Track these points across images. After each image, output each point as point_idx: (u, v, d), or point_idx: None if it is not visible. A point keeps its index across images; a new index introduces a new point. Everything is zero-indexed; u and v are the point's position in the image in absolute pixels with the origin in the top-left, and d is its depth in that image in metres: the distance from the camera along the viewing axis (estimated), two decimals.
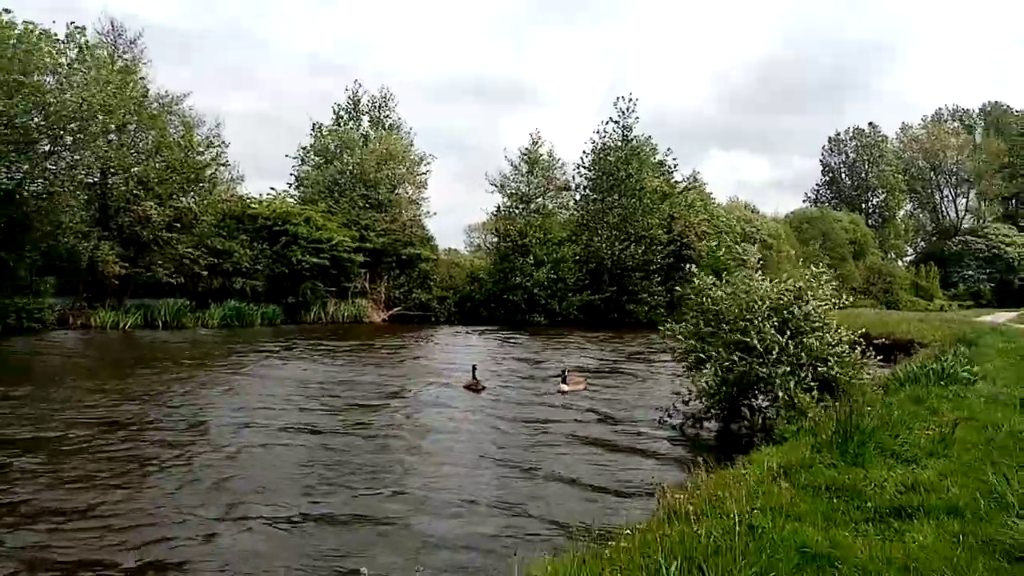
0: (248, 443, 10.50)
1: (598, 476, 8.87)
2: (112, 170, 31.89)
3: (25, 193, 28.69)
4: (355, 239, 40.85)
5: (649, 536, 4.50)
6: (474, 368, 16.85)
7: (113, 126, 30.19)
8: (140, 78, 33.67)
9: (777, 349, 10.50)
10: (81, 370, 18.60)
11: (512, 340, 31.23)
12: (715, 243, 44.19)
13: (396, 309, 43.19)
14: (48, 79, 27.75)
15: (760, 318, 10.79)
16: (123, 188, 32.39)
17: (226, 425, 11.79)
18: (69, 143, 28.94)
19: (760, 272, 12.22)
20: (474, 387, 16.10)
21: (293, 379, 17.29)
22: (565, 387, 15.63)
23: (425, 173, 50.21)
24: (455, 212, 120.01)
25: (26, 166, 28.27)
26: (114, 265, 31.44)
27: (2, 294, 26.83)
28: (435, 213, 64.24)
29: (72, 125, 27.82)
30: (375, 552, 6.28)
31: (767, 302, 11.15)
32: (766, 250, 47.57)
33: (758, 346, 10.50)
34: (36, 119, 27.42)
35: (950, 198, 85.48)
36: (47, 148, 28.87)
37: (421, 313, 43.19)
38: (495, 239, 49.64)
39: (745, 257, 11.82)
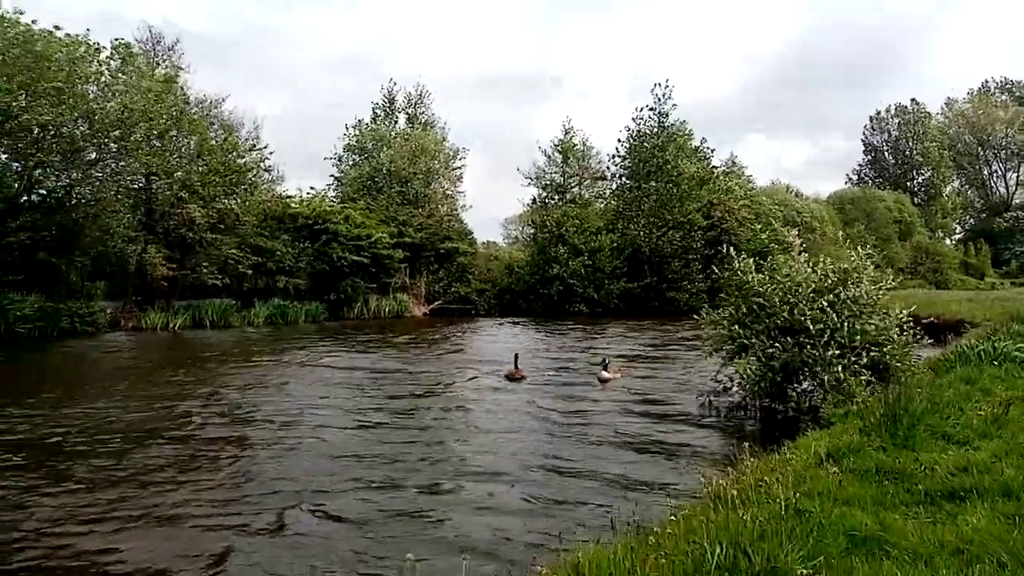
0: (303, 435, 10.79)
1: (642, 463, 8.86)
2: (156, 175, 32.66)
3: (74, 200, 29.63)
4: (393, 235, 41.22)
5: (694, 522, 4.49)
6: (516, 357, 17.01)
7: (156, 132, 30.86)
8: (179, 84, 34.37)
9: (829, 331, 10.32)
10: (138, 370, 19.16)
11: (552, 330, 31.25)
12: (759, 226, 43.42)
13: (436, 303, 43.48)
14: (92, 88, 28.49)
15: (805, 300, 10.63)
16: (168, 192, 33.17)
17: (282, 418, 12.10)
18: (114, 150, 29.67)
19: (804, 255, 12.03)
20: (515, 376, 16.24)
21: (340, 373, 17.59)
22: (606, 374, 15.62)
23: (460, 167, 50.51)
24: (492, 206, 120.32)
25: (75, 174, 29.17)
26: (161, 267, 32.31)
27: (56, 299, 27.66)
28: (471, 206, 64.47)
29: (116, 132, 28.51)
30: (423, 541, 6.37)
31: (811, 286, 11.00)
32: (809, 233, 46.67)
33: (811, 327, 10.33)
34: (82, 128, 28.19)
35: (999, 173, 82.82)
36: (93, 156, 29.64)
37: (461, 306, 43.41)
38: (532, 230, 49.63)
39: (789, 240, 11.60)
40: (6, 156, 28.31)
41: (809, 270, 11.34)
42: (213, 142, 34.77)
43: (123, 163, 30.10)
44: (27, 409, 12.48)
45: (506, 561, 5.67)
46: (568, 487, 7.92)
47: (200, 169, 33.58)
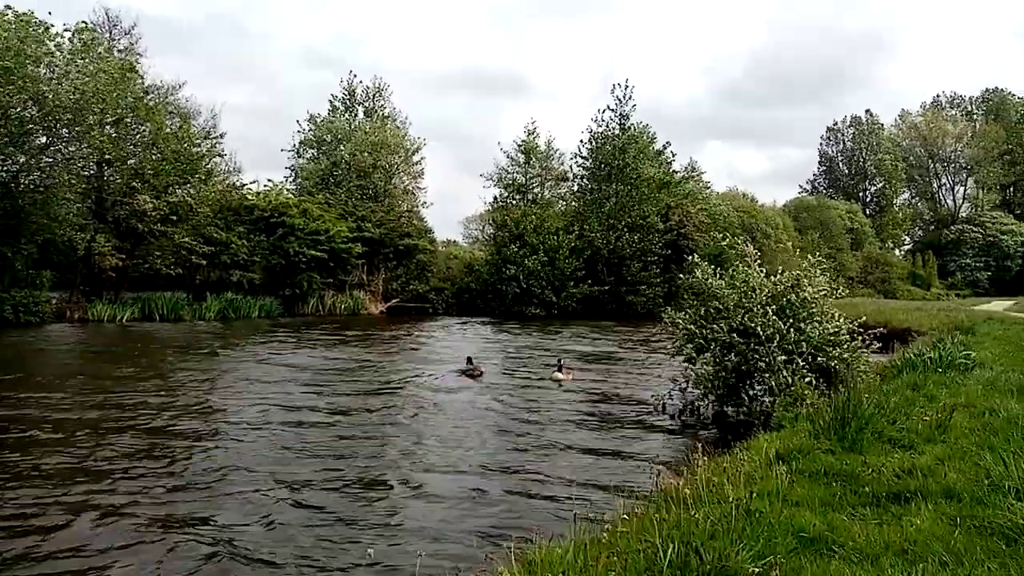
0: (251, 429, 10.56)
1: (596, 463, 8.89)
2: (109, 163, 31.76)
3: (21, 186, 28.61)
4: (352, 230, 40.76)
5: (647, 521, 4.50)
6: (469, 360, 17.02)
7: (110, 118, 30.01)
8: (135, 70, 33.46)
9: (778, 337, 10.53)
10: (83, 363, 18.68)
11: (509, 330, 31.27)
12: (717, 232, 43.89)
13: (394, 301, 43.15)
14: (43, 70, 27.57)
15: (758, 305, 10.83)
16: (119, 181, 32.27)
17: (229, 412, 11.94)
18: (65, 135, 28.78)
19: (758, 263, 12.24)
20: (472, 373, 16.24)
21: (292, 369, 17.32)
22: (560, 375, 15.66)
23: (420, 162, 50.21)
24: (453, 204, 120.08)
25: (22, 158, 28.18)
26: (111, 257, 31.41)
27: (0, 287, 26.74)
28: (432, 204, 64.31)
29: (67, 116, 27.65)
30: (376, 536, 6.29)
31: (765, 290, 11.21)
32: (764, 239, 47.48)
33: (759, 331, 10.52)
34: (32, 110, 27.27)
35: (948, 186, 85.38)
36: (43, 140, 28.69)
37: (418, 305, 43.14)
38: (492, 230, 49.57)
39: (744, 248, 11.79)
40: None
41: (763, 277, 11.56)
42: (168, 130, 33.92)
43: (74, 148, 29.20)
44: None
45: (461, 558, 5.61)
46: (521, 485, 7.90)
47: (154, 158, 32.73)
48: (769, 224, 54.86)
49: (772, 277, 11.65)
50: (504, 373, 17.52)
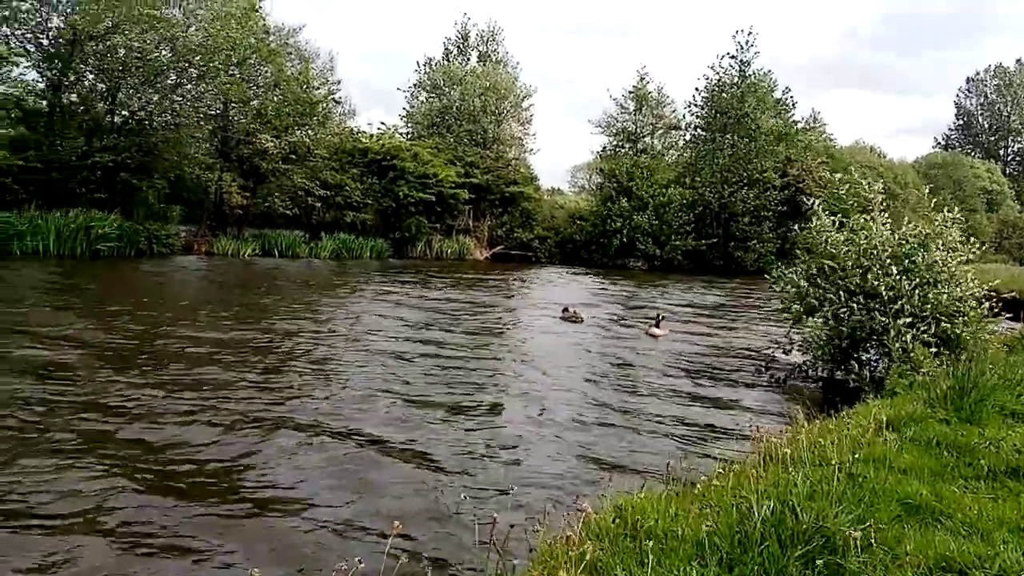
0: (374, 354, 11.47)
1: (693, 417, 8.81)
2: (233, 103, 33.29)
3: (154, 124, 30.49)
4: (460, 175, 41.21)
5: (743, 478, 4.45)
6: (564, 308, 17.44)
7: (235, 60, 31.32)
8: (258, 11, 34.64)
9: (903, 299, 9.92)
10: (217, 291, 20.39)
11: (611, 282, 31.09)
12: (844, 185, 41.40)
13: (498, 247, 43.57)
14: (175, 12, 29.00)
15: (879, 264, 10.22)
16: (243, 121, 33.85)
17: (351, 339, 13.06)
18: (194, 76, 30.29)
19: (885, 215, 11.47)
20: (573, 318, 16.57)
21: (405, 308, 18.10)
22: (657, 331, 15.44)
23: (529, 108, 49.89)
24: (561, 152, 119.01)
25: (156, 97, 29.95)
26: (236, 195, 33.25)
27: (135, 219, 28.77)
28: (539, 150, 63.96)
29: (196, 58, 29.06)
30: (471, 474, 6.51)
31: (889, 249, 10.51)
32: (891, 199, 44.65)
33: (883, 292, 9.96)
34: (165, 52, 28.81)
35: None
36: (174, 80, 30.33)
37: (522, 252, 43.38)
38: (599, 180, 48.91)
39: (871, 196, 10.89)
40: (93, 76, 29.21)
41: (888, 232, 10.83)
42: (289, 72, 35.12)
43: (202, 88, 30.72)
44: (124, 321, 13.29)
45: (552, 501, 5.75)
46: (616, 435, 7.94)
47: (275, 99, 34.08)
48: (898, 182, 51.57)
49: (897, 232, 10.92)
50: (604, 322, 17.53)
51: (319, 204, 36.36)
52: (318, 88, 37.10)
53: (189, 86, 30.70)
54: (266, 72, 34.39)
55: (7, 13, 26.31)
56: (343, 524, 5.28)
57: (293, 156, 34.49)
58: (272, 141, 33.04)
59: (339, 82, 39.11)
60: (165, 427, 7.20)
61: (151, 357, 10.44)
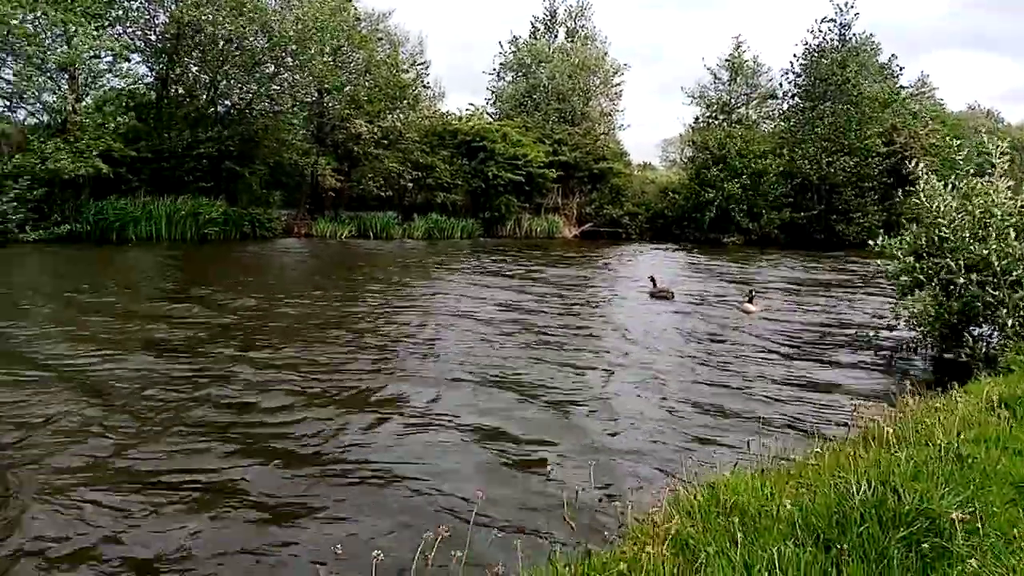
0: (477, 330, 12.07)
1: (788, 397, 8.54)
2: (327, 90, 34.28)
3: (254, 112, 31.82)
4: (548, 154, 41.08)
5: (842, 457, 4.31)
6: (652, 280, 17.52)
7: (328, 46, 32.21)
8: (352, 1, 35.48)
9: (1020, 269, 9.25)
10: (320, 271, 21.63)
11: (704, 256, 30.45)
12: (959, 145, 38.87)
13: (587, 225, 43.30)
14: (271, 1, 30.08)
15: (997, 231, 9.54)
16: (338, 107, 34.84)
17: (448, 314, 13.69)
18: (290, 64, 31.35)
19: (1008, 180, 10.65)
20: (663, 295, 16.37)
21: (499, 285, 18.62)
22: (751, 307, 15.01)
23: (619, 84, 49.10)
24: (651, 127, 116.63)
25: (254, 86, 31.20)
26: (331, 178, 34.42)
27: (239, 205, 30.20)
28: (629, 126, 63.01)
29: (292, 46, 30.04)
30: (562, 442, 6.58)
31: (1008, 220, 9.77)
32: (1011, 164, 41.67)
33: (996, 263, 9.32)
34: (261, 41, 29.92)
35: None
36: (271, 69, 31.46)
37: (612, 229, 42.89)
38: (691, 152, 47.67)
39: (996, 159, 9.96)
40: (196, 68, 30.68)
41: (1008, 198, 10.04)
42: (380, 57, 35.85)
43: (299, 77, 31.77)
44: (242, 297, 14.45)
45: (644, 477, 5.73)
46: (710, 413, 7.81)
47: (367, 84, 34.89)
48: (1018, 148, 48.01)
49: (1019, 198, 10.13)
50: (696, 299, 17.20)
51: (411, 185, 37.10)
52: (408, 71, 37.72)
53: (286, 75, 31.78)
54: (358, 58, 35.24)
55: (120, 12, 27.93)
56: (441, 494, 5.42)
57: (385, 140, 35.28)
58: (365, 126, 33.92)
59: (427, 64, 39.65)
60: (284, 403, 7.61)
61: (270, 334, 11.18)
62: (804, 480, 4.03)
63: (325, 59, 31.85)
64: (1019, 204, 9.96)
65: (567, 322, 13.46)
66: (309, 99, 34.19)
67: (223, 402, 7.54)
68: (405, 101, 37.01)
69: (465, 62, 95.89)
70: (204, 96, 31.21)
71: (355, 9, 35.68)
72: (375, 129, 34.47)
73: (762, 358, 10.75)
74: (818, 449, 4.53)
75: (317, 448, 6.35)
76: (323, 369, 9.04)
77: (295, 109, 32.55)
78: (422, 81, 39.06)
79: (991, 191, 10.12)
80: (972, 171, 10.83)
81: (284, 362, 9.32)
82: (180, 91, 30.96)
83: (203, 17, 27.24)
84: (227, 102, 32.16)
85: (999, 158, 10.54)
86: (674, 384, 9.03)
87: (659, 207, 43.72)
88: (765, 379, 9.40)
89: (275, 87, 31.67)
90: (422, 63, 39.45)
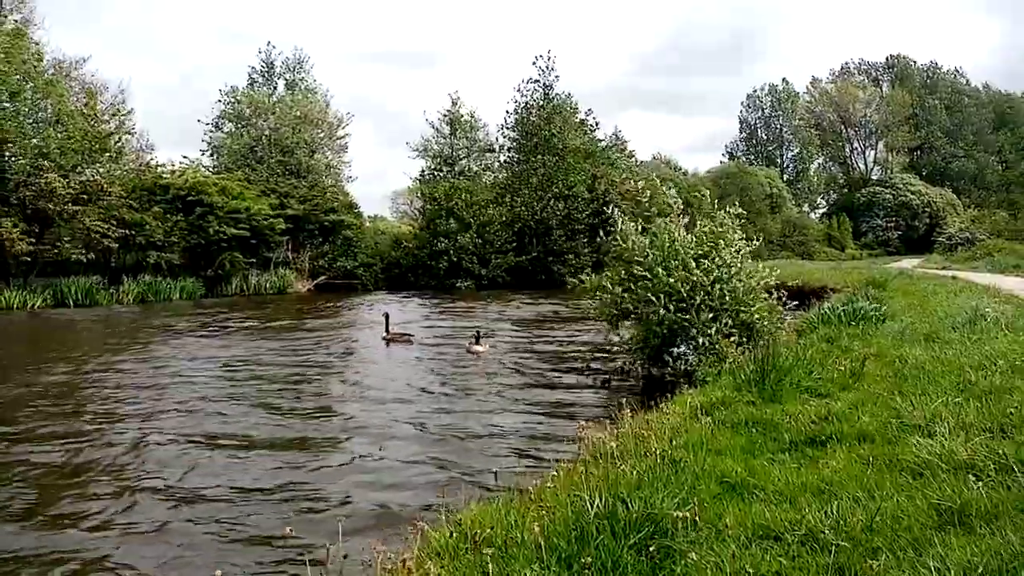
0: (179, 404, 10.22)
1: (524, 426, 8.97)
2: (9, 141, 29.94)
3: None
4: (275, 207, 39.56)
5: (574, 476, 4.56)
6: (387, 316, 18.11)
7: (6, 94, 28.27)
8: (25, 36, 31.49)
9: (702, 294, 10.69)
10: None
11: (438, 304, 31.21)
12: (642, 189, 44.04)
13: (321, 278, 42.31)
14: None
15: (681, 263, 10.97)
16: (22, 160, 30.52)
17: (154, 389, 11.52)
18: None
19: (685, 218, 12.34)
20: (402, 338, 16.66)
21: (220, 352, 16.81)
22: (478, 348, 15.63)
23: (344, 136, 49.11)
24: (379, 179, 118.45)
25: None
26: (20, 242, 29.63)
27: None
28: (356, 178, 63.23)
29: None
30: (302, 517, 6.19)
31: (689, 252, 11.29)
32: (687, 206, 48.32)
33: (683, 290, 10.68)
34: None
35: (859, 150, 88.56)
36: None
37: (347, 281, 42.33)
38: (420, 203, 49.01)
39: (671, 201, 11.71)
40: None
41: (686, 235, 11.67)
42: (73, 106, 32.18)
43: None
44: None
45: (390, 525, 5.58)
46: (450, 448, 7.91)
47: (59, 136, 31.04)
48: (692, 192, 55.81)
49: (694, 232, 11.82)
50: (431, 342, 17.51)
51: (116, 246, 33.37)
52: (108, 121, 34.29)
53: None
54: (45, 106, 31.34)
55: None
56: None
57: (84, 196, 31.44)
58: (60, 181, 29.88)
59: (131, 111, 36.37)
60: None
61: None
62: (545, 502, 4.18)
63: (3, 106, 27.88)
64: (694, 239, 11.59)
65: (303, 375, 12.89)
66: None
67: None
68: (107, 153, 33.48)
69: (172, 111, 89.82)
70: None
71: (36, 49, 31.76)
72: (72, 183, 30.53)
73: (496, 393, 11.21)
74: (554, 472, 4.75)
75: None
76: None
77: None
78: (127, 128, 35.69)
79: (671, 230, 11.66)
80: (655, 211, 12.38)
81: None
82: None
83: None
84: None
85: (672, 201, 12.24)
86: (413, 431, 9.01)
87: (393, 256, 44.17)
88: (501, 413, 9.78)
89: None
90: (126, 112, 36.04)
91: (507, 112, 48.28)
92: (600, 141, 51.90)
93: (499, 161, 50.42)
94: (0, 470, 7.49)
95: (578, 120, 49.94)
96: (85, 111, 32.47)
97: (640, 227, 12.03)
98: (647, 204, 12.57)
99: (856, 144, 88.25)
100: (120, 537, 5.77)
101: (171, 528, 5.94)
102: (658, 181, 14.44)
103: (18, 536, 5.78)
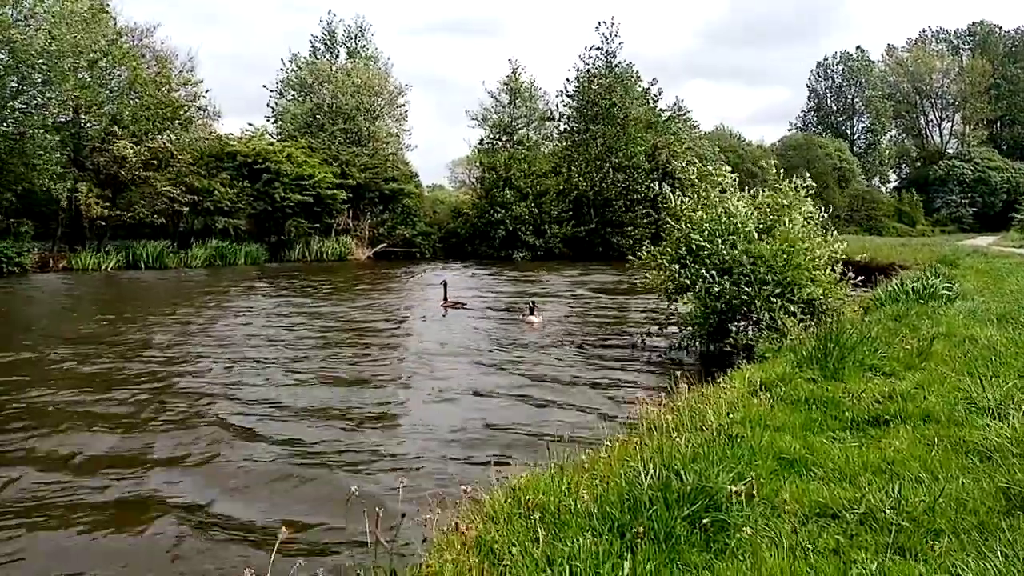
0: (261, 358, 10.60)
1: (577, 399, 8.95)
2: (85, 109, 31.02)
3: None
4: (336, 175, 40.21)
5: (628, 447, 4.56)
6: (445, 284, 18.27)
7: (83, 61, 29.19)
8: (106, 11, 32.44)
9: (765, 267, 10.44)
10: (73, 312, 18.56)
11: (495, 273, 31.31)
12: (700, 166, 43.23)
13: (380, 246, 42.94)
14: (9, 12, 26.66)
15: (743, 238, 10.74)
16: (97, 127, 31.64)
17: (226, 362, 11.80)
18: (39, 82, 28.00)
19: (743, 192, 12.05)
20: (456, 305, 17.27)
21: (285, 314, 17.42)
22: (533, 319, 15.62)
23: (404, 105, 49.37)
24: (438, 149, 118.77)
25: None
26: (95, 206, 30.91)
27: None
28: (416, 147, 63.55)
29: (40, 62, 26.90)
30: (364, 468, 6.37)
31: (748, 225, 11.01)
32: (750, 178, 47.23)
33: (745, 264, 10.46)
34: (2, 56, 26.49)
35: (935, 122, 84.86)
36: (15, 86, 27.93)
37: (405, 249, 42.94)
38: (478, 173, 49.10)
39: (723, 180, 11.35)
40: None
41: (746, 208, 11.36)
42: (145, 74, 33.11)
43: (49, 95, 28.45)
44: None
45: (444, 485, 5.69)
46: (505, 418, 7.98)
47: (132, 103, 32.04)
48: (756, 163, 54.49)
49: (757, 202, 11.55)
50: (487, 311, 17.65)
51: (186, 211, 34.49)
52: (179, 90, 35.20)
53: (34, 92, 28.32)
54: (120, 75, 32.31)
55: None
56: (217, 527, 5.04)
57: (155, 162, 32.49)
58: (132, 147, 30.98)
59: (201, 82, 37.20)
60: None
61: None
62: (598, 472, 4.20)
63: (80, 75, 28.82)
64: (760, 209, 11.29)
65: (368, 341, 13.22)
66: (63, 119, 30.72)
67: None
68: (177, 121, 34.46)
69: (237, 80, 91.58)
70: None
71: (114, 22, 32.70)
72: (143, 150, 31.60)
73: (549, 364, 11.21)
74: (608, 443, 4.75)
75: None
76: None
77: (45, 129, 28.82)
78: (197, 97, 36.55)
79: (728, 205, 11.37)
80: (709, 185, 12.11)
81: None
82: None
83: None
84: None
85: (723, 180, 11.93)
86: (469, 398, 9.13)
87: (451, 226, 44.50)
88: (555, 383, 9.79)
89: (20, 106, 28.08)
90: (196, 81, 36.92)
91: (567, 80, 47.75)
92: (663, 111, 50.91)
93: (558, 131, 49.95)
94: (94, 407, 7.93)
95: (641, 90, 49.03)
96: (158, 79, 33.39)
97: (699, 202, 11.78)
98: (700, 184, 12.27)
99: (932, 116, 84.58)
100: (199, 472, 6.09)
101: (244, 470, 6.30)
102: (711, 164, 14.04)
103: (108, 468, 6.09)
